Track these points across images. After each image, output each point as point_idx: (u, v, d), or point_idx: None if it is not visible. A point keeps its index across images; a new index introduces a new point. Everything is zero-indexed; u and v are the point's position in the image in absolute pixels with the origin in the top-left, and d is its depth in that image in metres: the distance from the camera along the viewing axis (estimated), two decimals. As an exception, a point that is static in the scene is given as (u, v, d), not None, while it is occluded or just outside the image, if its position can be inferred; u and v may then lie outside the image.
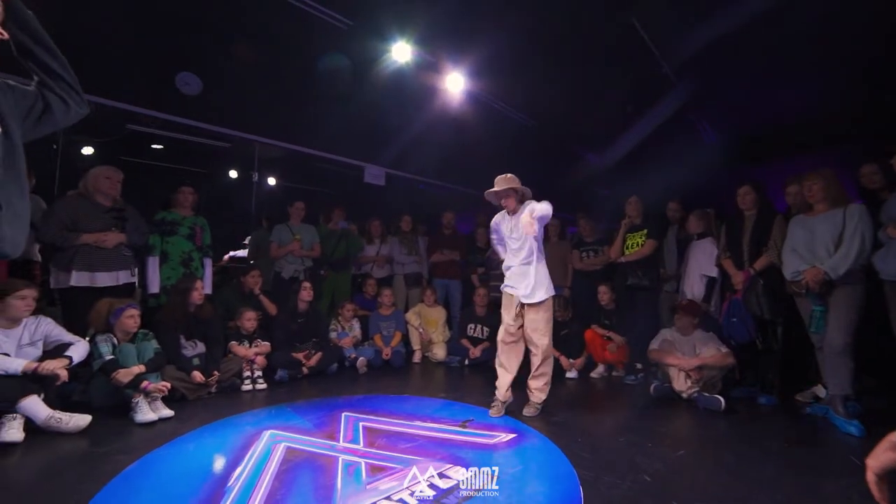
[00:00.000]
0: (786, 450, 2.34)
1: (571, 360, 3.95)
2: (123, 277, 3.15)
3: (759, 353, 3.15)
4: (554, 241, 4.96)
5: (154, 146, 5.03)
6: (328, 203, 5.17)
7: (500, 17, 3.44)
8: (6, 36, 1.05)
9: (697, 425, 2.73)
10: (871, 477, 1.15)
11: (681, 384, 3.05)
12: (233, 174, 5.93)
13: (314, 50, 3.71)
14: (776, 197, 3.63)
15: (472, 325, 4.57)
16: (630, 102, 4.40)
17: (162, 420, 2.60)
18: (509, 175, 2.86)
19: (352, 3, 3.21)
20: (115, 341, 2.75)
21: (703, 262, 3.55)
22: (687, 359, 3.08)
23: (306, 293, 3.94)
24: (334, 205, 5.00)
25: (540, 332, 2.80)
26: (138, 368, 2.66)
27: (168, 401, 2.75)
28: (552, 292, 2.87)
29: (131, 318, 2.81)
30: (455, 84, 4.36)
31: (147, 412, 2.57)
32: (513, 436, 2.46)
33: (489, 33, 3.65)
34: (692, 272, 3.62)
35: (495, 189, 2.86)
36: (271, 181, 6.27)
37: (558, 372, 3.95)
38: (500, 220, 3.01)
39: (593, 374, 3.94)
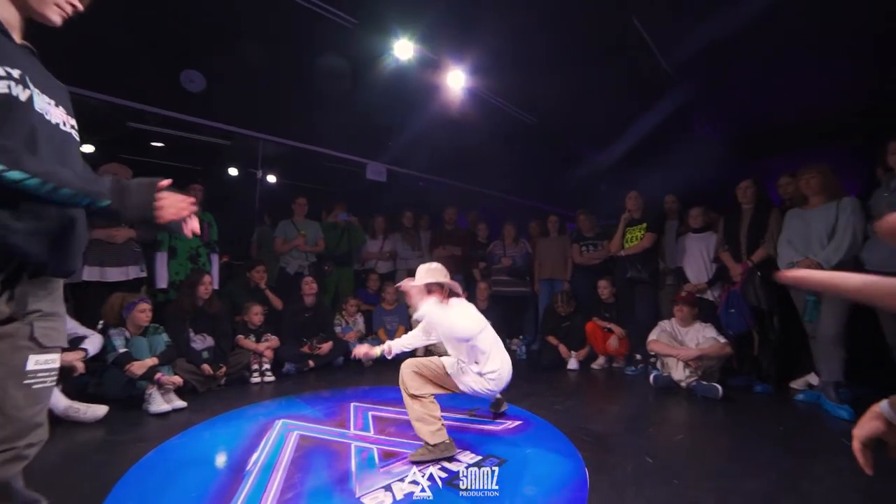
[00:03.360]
0: (781, 433, 2.43)
1: (573, 352, 4.03)
2: (133, 272, 3.21)
3: (757, 343, 3.24)
4: (553, 235, 5.05)
5: (155, 144, 5.05)
6: (330, 200, 5.22)
7: (502, 15, 3.50)
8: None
9: (696, 412, 2.82)
10: (856, 445, 1.25)
11: (679, 374, 3.14)
12: (233, 171, 5.96)
13: (319, 48, 3.75)
14: (770, 191, 3.72)
15: (474, 319, 4.64)
16: (630, 100, 4.46)
17: (175, 411, 2.66)
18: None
19: (357, 2, 3.26)
20: (128, 335, 2.80)
21: (704, 251, 3.67)
22: (687, 349, 3.16)
23: (308, 287, 4.00)
24: (336, 200, 5.06)
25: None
26: (151, 361, 2.72)
27: (179, 392, 2.81)
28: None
29: (143, 312, 2.86)
30: (456, 81, 4.42)
31: (161, 403, 2.63)
32: (518, 423, 2.54)
33: (490, 30, 3.71)
34: (694, 261, 3.72)
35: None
36: (271, 178, 6.30)
37: (560, 363, 4.05)
38: None
39: (594, 366, 4.03)
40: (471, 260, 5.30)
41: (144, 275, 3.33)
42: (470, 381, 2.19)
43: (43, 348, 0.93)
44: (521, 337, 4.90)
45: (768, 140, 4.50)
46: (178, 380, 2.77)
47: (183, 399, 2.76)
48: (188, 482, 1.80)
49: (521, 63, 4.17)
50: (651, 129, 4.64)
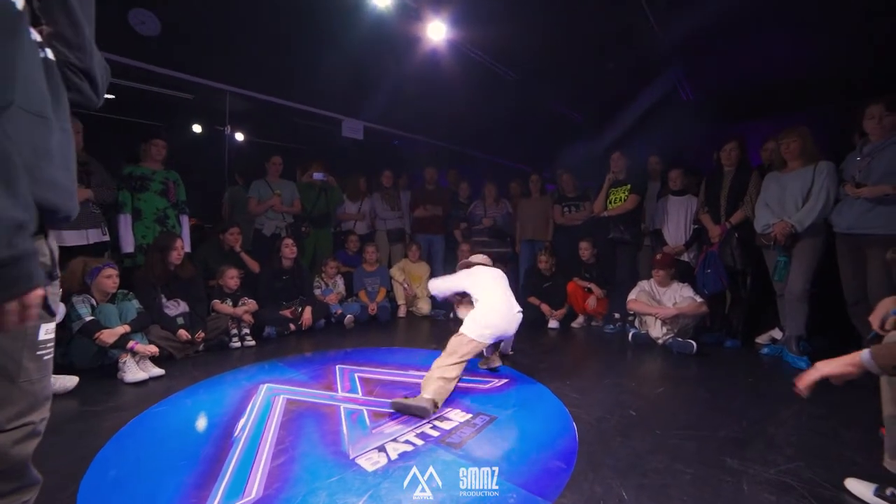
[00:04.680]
0: (750, 384, 2.60)
1: (553, 311, 4.12)
2: (94, 236, 2.98)
3: (729, 302, 3.39)
4: (535, 196, 5.02)
5: (105, 96, 4.58)
6: (303, 159, 4.95)
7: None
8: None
9: (673, 367, 2.96)
10: (815, 377, 1.33)
11: (657, 331, 3.27)
12: (197, 128, 5.53)
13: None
14: (751, 154, 3.77)
15: (457, 281, 4.65)
16: (612, 60, 4.32)
17: (153, 379, 2.57)
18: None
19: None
20: (94, 302, 2.63)
21: (685, 213, 3.72)
22: (666, 308, 3.27)
23: (289, 250, 3.86)
24: (310, 159, 4.81)
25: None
26: (123, 328, 2.59)
27: (156, 360, 2.71)
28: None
29: (109, 277, 2.68)
30: (437, 32, 4.16)
31: (136, 372, 2.52)
32: (505, 380, 2.60)
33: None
34: (674, 223, 3.79)
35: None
36: (239, 136, 5.90)
37: (541, 322, 4.14)
38: None
39: (574, 325, 4.14)
40: (452, 220, 5.23)
41: (107, 239, 3.10)
42: (470, 324, 2.42)
43: (51, 316, 0.84)
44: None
45: (746, 104, 4.52)
46: (153, 349, 2.66)
47: (161, 366, 2.67)
48: (175, 449, 1.75)
49: (502, 15, 3.93)
50: (642, 103, 4.56)
